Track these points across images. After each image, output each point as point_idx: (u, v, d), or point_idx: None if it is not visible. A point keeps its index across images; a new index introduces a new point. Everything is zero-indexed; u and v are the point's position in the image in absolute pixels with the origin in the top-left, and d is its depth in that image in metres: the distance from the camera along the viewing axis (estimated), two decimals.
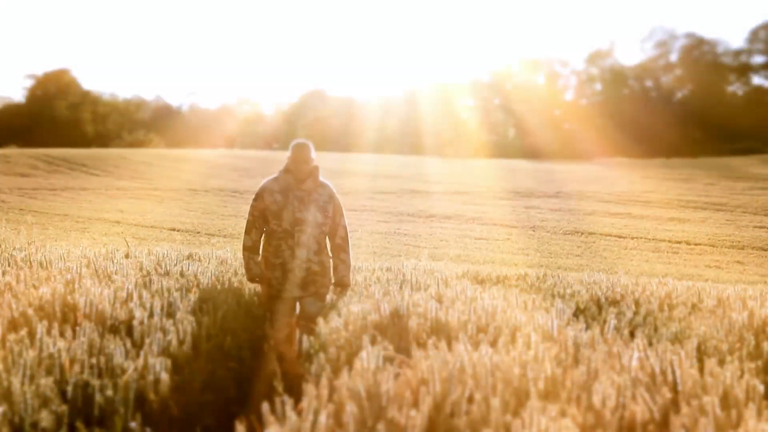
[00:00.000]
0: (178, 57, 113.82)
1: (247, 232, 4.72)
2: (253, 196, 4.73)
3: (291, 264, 4.59)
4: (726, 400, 2.55)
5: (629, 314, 4.87)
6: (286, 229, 4.60)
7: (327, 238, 4.73)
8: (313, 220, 4.60)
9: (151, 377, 3.07)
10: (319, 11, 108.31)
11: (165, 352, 3.37)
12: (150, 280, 4.96)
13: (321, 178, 4.77)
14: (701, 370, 3.03)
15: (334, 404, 2.44)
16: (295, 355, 4.30)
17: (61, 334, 3.51)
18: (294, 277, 4.57)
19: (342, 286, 4.73)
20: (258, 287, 4.98)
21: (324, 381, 2.51)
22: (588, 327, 4.17)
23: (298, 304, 4.66)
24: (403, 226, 21.95)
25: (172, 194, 28.94)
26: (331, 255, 4.77)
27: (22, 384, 2.79)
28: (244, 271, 5.00)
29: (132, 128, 72.41)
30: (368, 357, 2.77)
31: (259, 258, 4.70)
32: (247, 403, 3.63)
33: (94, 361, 3.10)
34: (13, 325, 3.60)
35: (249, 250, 4.69)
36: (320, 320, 3.93)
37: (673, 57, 74.33)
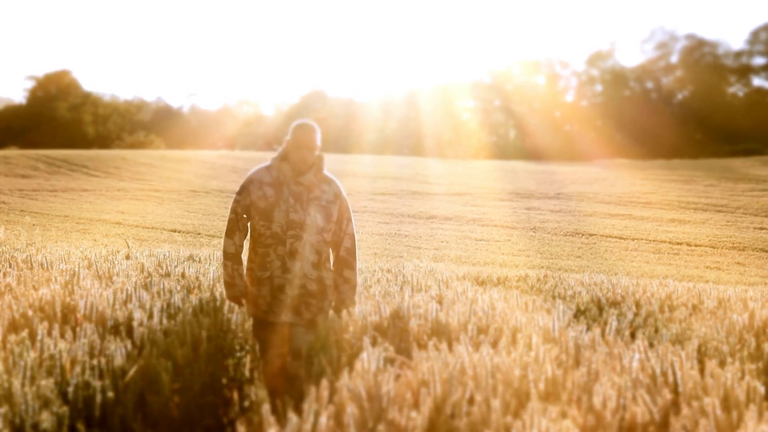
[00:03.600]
0: (178, 58, 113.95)
1: (229, 234, 3.77)
2: (238, 189, 3.81)
3: (281, 279, 3.66)
4: (726, 402, 2.55)
5: (630, 315, 4.87)
6: (276, 234, 3.66)
7: (330, 248, 3.85)
8: (313, 224, 3.68)
9: (151, 378, 3.07)
10: (320, 12, 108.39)
11: (166, 353, 3.37)
12: (151, 282, 4.95)
13: (326, 172, 3.83)
14: (702, 371, 3.03)
15: (335, 405, 2.44)
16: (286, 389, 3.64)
17: (62, 336, 3.52)
18: (285, 297, 3.66)
19: (340, 311, 3.83)
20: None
21: (324, 382, 2.51)
22: (589, 328, 4.17)
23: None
24: (404, 228, 21.96)
25: (173, 195, 28.96)
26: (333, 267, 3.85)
27: (23, 385, 2.79)
28: (222, 286, 4.16)
29: (132, 129, 72.54)
30: (369, 358, 2.77)
31: (243, 269, 3.82)
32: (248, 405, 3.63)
33: (95, 362, 3.11)
34: (13, 327, 3.60)
35: (231, 258, 3.75)
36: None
37: (674, 58, 74.40)
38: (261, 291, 3.70)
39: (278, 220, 3.67)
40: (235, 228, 3.78)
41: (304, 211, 3.68)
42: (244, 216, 3.78)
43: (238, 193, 3.77)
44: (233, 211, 3.78)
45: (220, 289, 4.82)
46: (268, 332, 3.69)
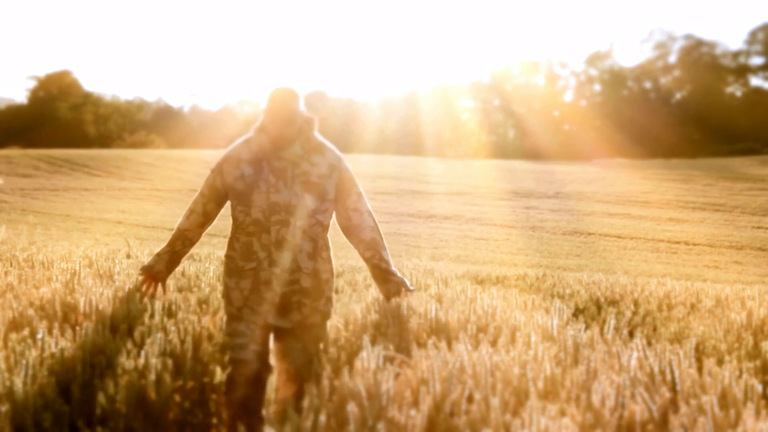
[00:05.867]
0: (179, 58, 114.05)
1: (186, 213, 3.31)
2: (213, 167, 3.23)
3: (268, 273, 3.07)
4: (724, 400, 2.56)
5: (628, 314, 4.89)
6: (258, 220, 3.06)
7: (332, 233, 3.29)
8: (302, 206, 3.06)
9: (152, 377, 3.08)
10: (320, 12, 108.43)
11: (166, 352, 3.38)
12: None
13: (319, 138, 3.22)
14: (700, 369, 3.04)
15: (335, 404, 2.45)
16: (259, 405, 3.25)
17: (62, 334, 3.53)
18: (270, 293, 3.09)
19: (398, 292, 3.44)
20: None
21: (325, 381, 2.52)
22: (587, 327, 4.18)
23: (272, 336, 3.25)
24: (404, 227, 21.97)
25: (174, 195, 28.97)
26: (363, 259, 3.39)
27: (25, 384, 2.81)
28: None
29: (133, 129, 72.66)
30: (368, 357, 2.78)
31: (176, 251, 3.41)
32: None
33: (95, 360, 3.12)
34: (14, 325, 3.62)
35: (172, 235, 3.34)
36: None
37: (672, 58, 74.69)
38: (240, 284, 3.13)
39: (258, 204, 3.06)
40: (195, 207, 3.27)
41: (290, 191, 3.06)
42: (213, 198, 3.22)
43: (212, 172, 3.21)
44: (201, 192, 3.25)
45: (220, 288, 4.84)
46: (243, 330, 3.14)
